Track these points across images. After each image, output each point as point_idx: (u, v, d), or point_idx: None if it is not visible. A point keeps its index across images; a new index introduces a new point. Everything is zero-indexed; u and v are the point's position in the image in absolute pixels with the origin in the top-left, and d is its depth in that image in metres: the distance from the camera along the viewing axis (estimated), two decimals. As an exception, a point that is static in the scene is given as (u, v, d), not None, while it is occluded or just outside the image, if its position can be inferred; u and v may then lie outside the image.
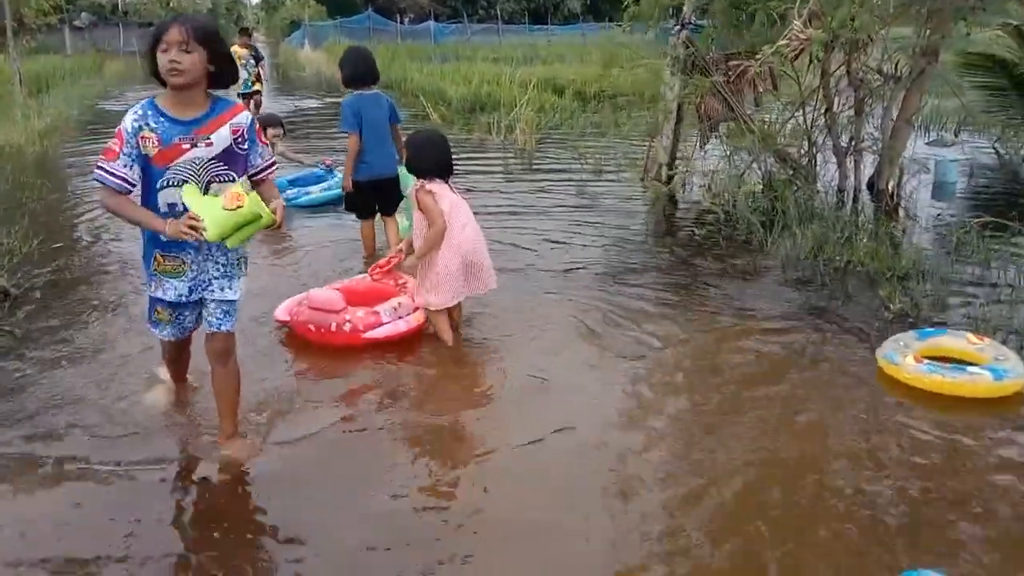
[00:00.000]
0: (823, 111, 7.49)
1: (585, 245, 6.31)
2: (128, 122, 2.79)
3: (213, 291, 3.09)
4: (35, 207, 7.44)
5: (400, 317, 4.30)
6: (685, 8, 7.79)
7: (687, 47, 7.73)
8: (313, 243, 6.36)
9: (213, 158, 2.89)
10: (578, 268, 5.71)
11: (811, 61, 7.11)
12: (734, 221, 6.61)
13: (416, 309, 4.37)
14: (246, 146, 2.98)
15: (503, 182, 8.74)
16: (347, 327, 4.17)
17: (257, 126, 3.05)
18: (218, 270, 3.09)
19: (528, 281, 5.38)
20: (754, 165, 7.56)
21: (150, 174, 2.84)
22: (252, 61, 12.39)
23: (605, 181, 8.63)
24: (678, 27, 7.82)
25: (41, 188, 8.16)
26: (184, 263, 3.02)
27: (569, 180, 8.73)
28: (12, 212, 7.10)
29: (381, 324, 4.22)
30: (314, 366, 4.10)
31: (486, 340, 4.45)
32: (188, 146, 2.83)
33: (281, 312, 4.47)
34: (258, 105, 12.54)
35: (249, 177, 2.99)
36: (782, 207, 6.51)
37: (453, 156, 4.34)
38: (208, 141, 2.86)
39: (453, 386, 3.98)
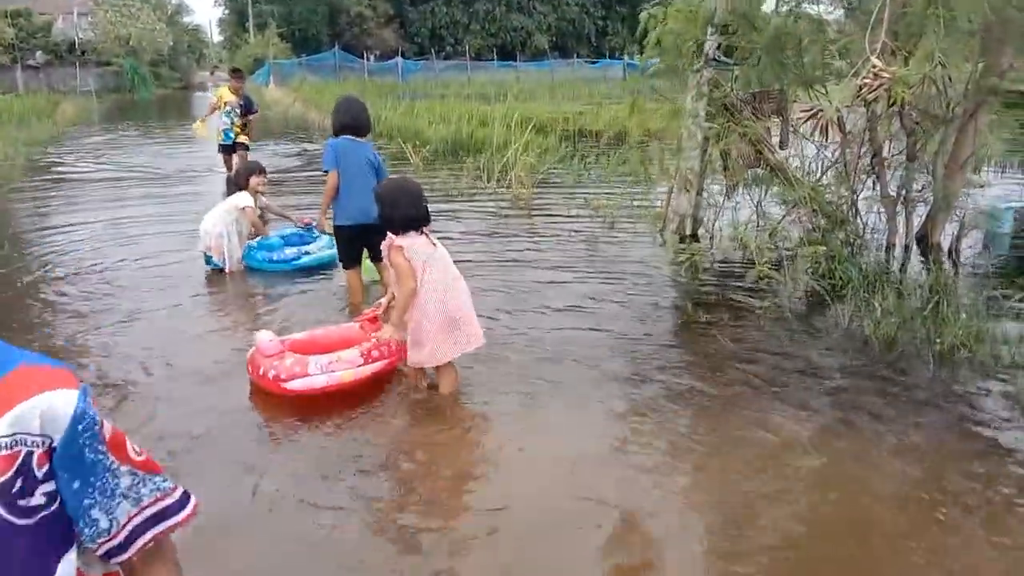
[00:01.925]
0: (870, 156, 6.69)
1: (599, 307, 5.48)
2: None
3: None
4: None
5: (329, 372, 4.01)
6: (707, 44, 6.98)
7: (715, 87, 6.91)
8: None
9: None
10: (590, 331, 4.93)
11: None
12: (778, 283, 5.71)
13: (357, 366, 4.09)
14: (45, 499, 1.05)
15: (501, 234, 7.78)
16: (271, 374, 3.98)
17: (100, 424, 1.09)
18: None
19: (533, 345, 4.79)
20: (788, 217, 6.74)
21: None
22: (238, 109, 10.46)
23: (619, 234, 7.69)
24: (700, 64, 7.02)
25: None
26: None
27: (575, 231, 7.81)
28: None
29: (304, 376, 3.97)
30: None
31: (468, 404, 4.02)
32: None
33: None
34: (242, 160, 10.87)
35: (104, 556, 1.15)
36: (840, 269, 5.64)
37: (429, 204, 4.03)
38: None
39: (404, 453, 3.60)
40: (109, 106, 30.88)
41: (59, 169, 13.04)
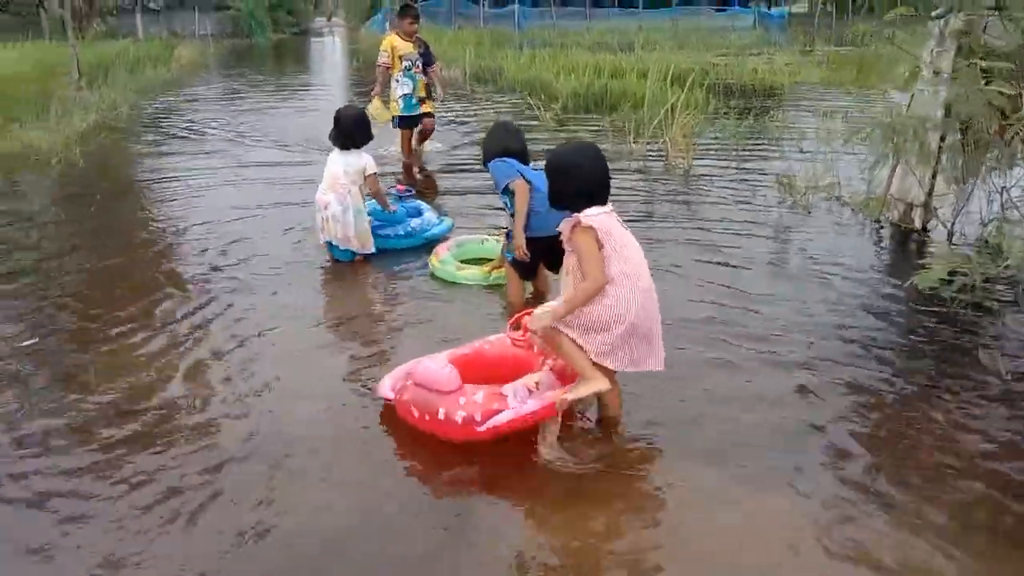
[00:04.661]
0: None
1: (807, 315, 4.11)
2: None
3: None
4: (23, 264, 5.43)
5: (535, 398, 3.07)
6: (957, -22, 5.35)
7: (965, 35, 5.31)
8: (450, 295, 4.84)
9: None
10: (796, 355, 3.52)
11: None
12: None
13: (557, 386, 3.14)
14: None
15: (661, 217, 6.41)
16: (459, 416, 3.01)
17: None
18: None
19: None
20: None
21: None
22: (419, 63, 8.02)
23: (817, 223, 6.18)
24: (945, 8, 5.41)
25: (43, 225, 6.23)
26: None
27: (759, 216, 6.35)
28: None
29: (505, 409, 3.01)
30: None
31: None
32: None
33: (385, 387, 3.38)
34: (424, 138, 8.47)
35: None
36: None
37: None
38: None
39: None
40: (226, 51, 30.55)
41: (163, 124, 12.07)
